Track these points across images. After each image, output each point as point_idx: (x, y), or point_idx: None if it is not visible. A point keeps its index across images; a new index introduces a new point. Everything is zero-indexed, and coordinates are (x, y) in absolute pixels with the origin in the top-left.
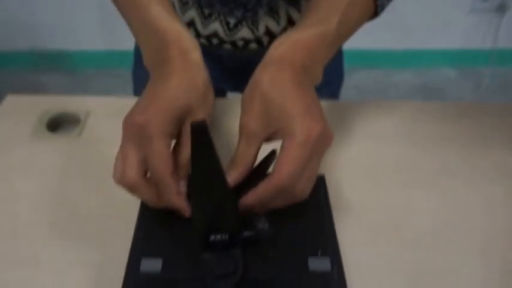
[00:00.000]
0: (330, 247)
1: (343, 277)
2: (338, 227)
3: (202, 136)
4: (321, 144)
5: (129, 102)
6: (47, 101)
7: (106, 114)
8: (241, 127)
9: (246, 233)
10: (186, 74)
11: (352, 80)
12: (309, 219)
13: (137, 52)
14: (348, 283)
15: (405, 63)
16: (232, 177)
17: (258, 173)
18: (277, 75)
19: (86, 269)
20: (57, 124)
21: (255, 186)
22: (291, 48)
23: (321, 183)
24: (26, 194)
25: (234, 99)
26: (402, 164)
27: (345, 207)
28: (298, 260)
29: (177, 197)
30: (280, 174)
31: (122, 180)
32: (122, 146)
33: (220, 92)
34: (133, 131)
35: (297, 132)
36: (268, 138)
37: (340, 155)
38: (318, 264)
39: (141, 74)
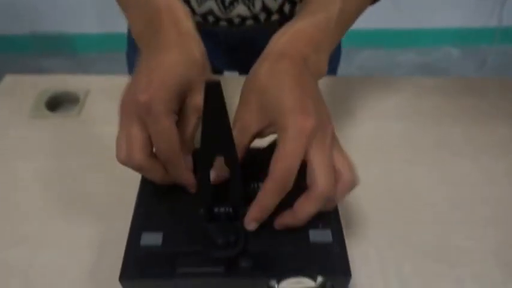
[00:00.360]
0: (332, 220)
1: (344, 248)
2: (340, 203)
3: (216, 96)
4: (319, 135)
5: (128, 81)
6: (45, 81)
7: (105, 93)
8: (236, 119)
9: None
10: (183, 46)
11: (355, 60)
12: None
13: (130, 34)
14: (350, 257)
15: (408, 42)
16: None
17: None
18: (275, 68)
19: (87, 246)
20: (56, 103)
21: (262, 168)
22: (291, 40)
23: None
24: (25, 173)
25: (230, 77)
26: (404, 141)
27: None
28: (299, 233)
29: (186, 173)
30: (276, 170)
31: (128, 162)
32: (123, 126)
33: (216, 71)
34: (136, 110)
35: (289, 127)
36: (262, 133)
37: (341, 131)
38: (319, 236)
39: (134, 56)
